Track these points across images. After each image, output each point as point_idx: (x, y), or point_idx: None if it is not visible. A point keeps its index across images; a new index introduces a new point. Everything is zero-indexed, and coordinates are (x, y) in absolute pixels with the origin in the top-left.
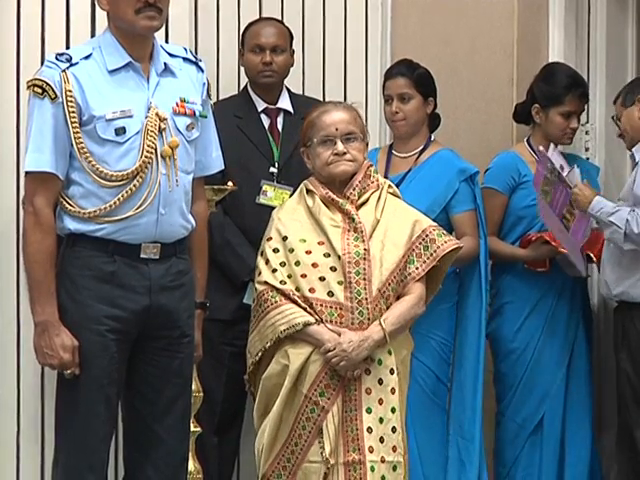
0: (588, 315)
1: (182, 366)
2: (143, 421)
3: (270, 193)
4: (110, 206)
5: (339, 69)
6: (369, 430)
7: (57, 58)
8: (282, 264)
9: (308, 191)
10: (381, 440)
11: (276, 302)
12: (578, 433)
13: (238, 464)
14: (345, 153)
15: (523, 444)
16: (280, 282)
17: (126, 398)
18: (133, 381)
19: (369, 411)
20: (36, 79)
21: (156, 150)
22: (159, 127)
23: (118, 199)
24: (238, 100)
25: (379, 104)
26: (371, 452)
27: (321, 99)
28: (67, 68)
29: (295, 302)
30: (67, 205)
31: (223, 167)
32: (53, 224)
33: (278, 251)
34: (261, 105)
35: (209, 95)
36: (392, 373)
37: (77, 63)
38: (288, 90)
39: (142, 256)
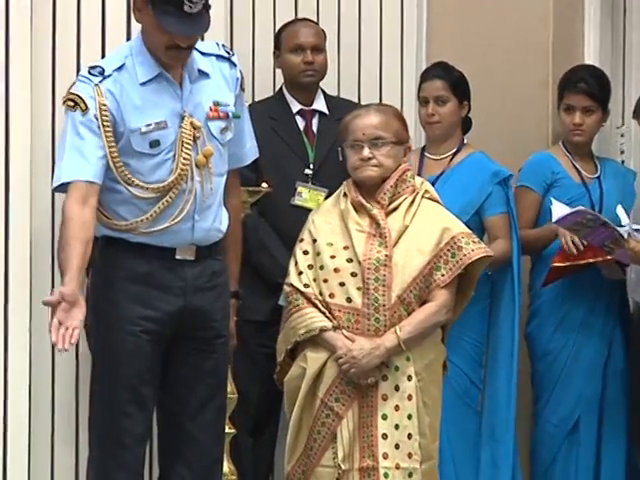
0: (626, 316)
1: (216, 366)
2: (177, 421)
3: (305, 194)
4: (147, 218)
5: (374, 71)
6: (384, 436)
7: (90, 72)
8: (309, 267)
9: (345, 194)
10: (396, 446)
11: (298, 305)
12: (615, 434)
13: (273, 465)
14: (371, 158)
15: (560, 445)
16: (304, 285)
17: (160, 398)
18: (167, 382)
19: (385, 417)
20: (69, 94)
21: (191, 160)
22: (194, 136)
23: (155, 211)
24: (273, 102)
25: (414, 106)
26: (385, 458)
27: (356, 101)
28: (100, 82)
29: (316, 306)
30: (102, 216)
31: (258, 155)
32: (82, 216)
33: (307, 253)
34: (296, 106)
35: (243, 89)
36: (409, 380)
37: (110, 75)
38: (323, 92)
39: (177, 257)
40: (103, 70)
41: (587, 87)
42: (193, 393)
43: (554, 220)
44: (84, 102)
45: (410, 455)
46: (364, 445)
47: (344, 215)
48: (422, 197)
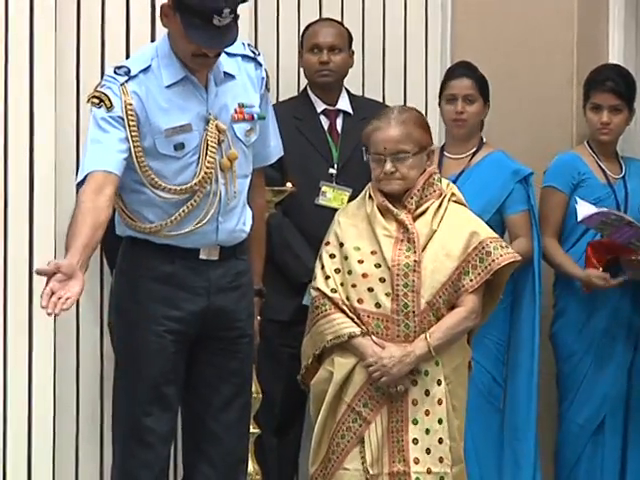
0: None
1: (241, 366)
2: (201, 420)
3: (329, 194)
4: (172, 221)
5: (399, 71)
6: (415, 441)
7: (116, 72)
8: (337, 270)
9: (370, 196)
10: (427, 451)
11: (326, 310)
12: None
13: (298, 466)
14: (394, 172)
15: (584, 445)
16: (331, 290)
17: (185, 398)
18: (192, 381)
19: (415, 422)
20: (94, 92)
21: (216, 163)
22: (218, 139)
23: (180, 214)
24: (297, 101)
25: (438, 110)
26: (417, 463)
27: (381, 100)
28: (126, 82)
29: (344, 312)
30: (126, 217)
31: (282, 154)
32: (92, 197)
33: (334, 257)
34: (320, 106)
35: (268, 88)
36: (439, 384)
37: (136, 76)
38: (348, 91)
39: (201, 257)
40: (129, 70)
41: (615, 86)
42: (217, 393)
43: (579, 219)
44: (109, 100)
45: (441, 459)
46: (394, 450)
47: (371, 219)
48: (449, 200)
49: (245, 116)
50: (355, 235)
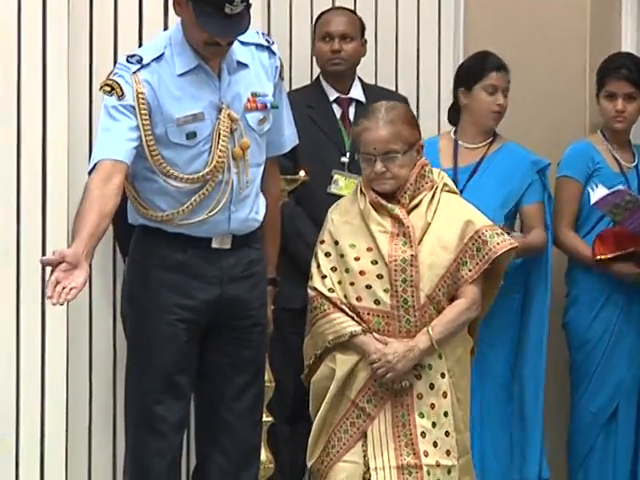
0: None
1: (254, 355)
2: (214, 409)
3: (341, 182)
4: (184, 210)
5: (412, 59)
6: (423, 435)
7: (128, 60)
8: (333, 269)
9: (362, 192)
10: (434, 444)
11: (324, 310)
12: None
13: None
14: (385, 172)
15: (597, 434)
16: (329, 290)
17: (197, 387)
18: (205, 370)
19: (422, 416)
20: (106, 80)
21: (228, 152)
22: (231, 128)
23: (191, 203)
24: (310, 90)
25: (451, 95)
26: (426, 456)
27: (393, 89)
28: (138, 70)
29: (343, 311)
30: (139, 206)
31: (297, 142)
32: (100, 184)
33: (330, 255)
34: (333, 95)
35: (282, 77)
36: (443, 377)
37: (148, 65)
38: (360, 80)
39: (214, 246)
40: (141, 59)
41: (629, 73)
42: (230, 381)
43: (592, 202)
44: (120, 88)
45: (448, 452)
46: (401, 443)
47: (364, 215)
48: (441, 191)
49: (258, 105)
50: (350, 232)
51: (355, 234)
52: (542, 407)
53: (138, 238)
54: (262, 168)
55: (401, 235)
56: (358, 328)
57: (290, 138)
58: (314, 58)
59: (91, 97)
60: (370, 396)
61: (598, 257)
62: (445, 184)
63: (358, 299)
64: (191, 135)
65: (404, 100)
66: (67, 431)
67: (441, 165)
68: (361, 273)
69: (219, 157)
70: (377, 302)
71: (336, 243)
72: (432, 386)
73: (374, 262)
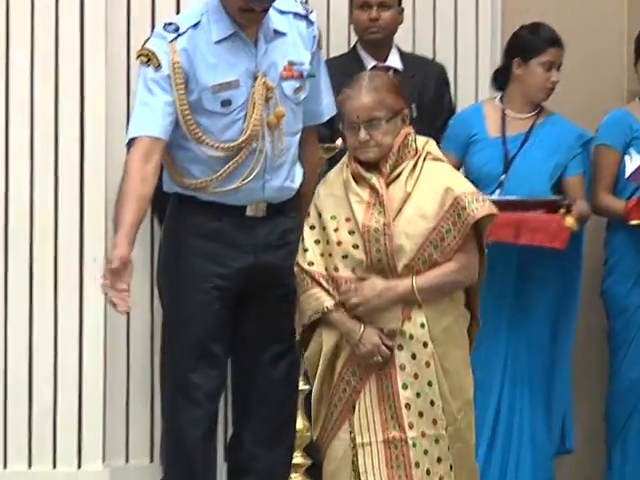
0: None
1: (288, 323)
2: (250, 378)
3: None
4: (217, 177)
5: (449, 27)
6: (407, 406)
7: (165, 29)
8: (317, 242)
9: (348, 164)
10: (420, 415)
11: (305, 285)
12: None
13: None
14: (368, 140)
15: (637, 400)
16: (308, 263)
17: (233, 355)
18: (240, 339)
19: (405, 387)
20: (143, 49)
21: (262, 120)
22: (266, 96)
23: (225, 170)
24: (347, 58)
25: (489, 65)
26: (411, 428)
27: (431, 57)
28: (174, 39)
29: (320, 284)
30: (174, 173)
31: (335, 112)
32: (141, 172)
33: (314, 228)
34: (370, 63)
35: (320, 46)
36: (425, 346)
37: (185, 32)
38: (398, 48)
39: (248, 214)
40: (178, 27)
41: None
42: (265, 350)
43: (627, 176)
44: (157, 58)
45: (435, 421)
46: (387, 416)
47: (345, 186)
48: (424, 159)
49: (294, 74)
50: (332, 204)
51: (337, 205)
52: (568, 374)
53: (173, 206)
54: (298, 137)
55: (377, 205)
56: (331, 303)
57: (328, 107)
58: (351, 26)
59: (129, 67)
60: (354, 368)
61: (632, 222)
62: (429, 152)
63: (336, 269)
64: (226, 103)
65: (441, 68)
66: (105, 399)
67: (488, 133)
68: (338, 244)
69: (254, 125)
70: (354, 271)
71: (319, 215)
72: (414, 356)
73: (351, 232)
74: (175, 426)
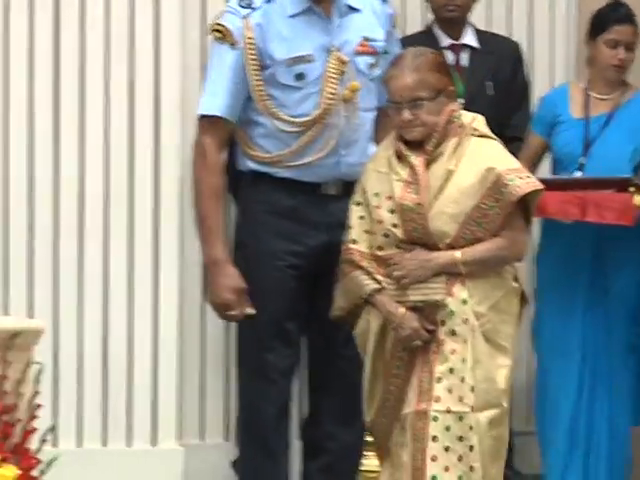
0: None
1: None
2: (324, 356)
3: None
4: (292, 151)
5: (525, 5)
6: (438, 380)
7: (239, 3)
8: (361, 217)
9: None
10: (449, 390)
11: (349, 266)
12: None
13: None
14: (412, 120)
15: None
16: (352, 241)
17: (308, 334)
18: (313, 317)
19: (441, 362)
20: (217, 24)
21: (337, 95)
22: (340, 71)
23: (299, 144)
24: (422, 37)
25: (565, 43)
26: (437, 402)
27: (506, 35)
28: (248, 14)
29: (361, 266)
30: (248, 149)
31: None
32: (219, 164)
33: (360, 204)
34: (445, 41)
35: (394, 26)
36: (466, 323)
37: (259, 8)
38: (473, 26)
39: (322, 192)
40: (251, 2)
41: None
42: (339, 328)
43: None
44: (232, 35)
45: (461, 399)
46: (422, 389)
47: (389, 163)
48: (470, 136)
49: (369, 49)
50: (376, 180)
51: (380, 182)
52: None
53: (247, 185)
54: (372, 114)
55: (415, 183)
56: (372, 287)
57: None
58: (426, 5)
59: (203, 37)
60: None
61: None
62: (475, 128)
63: (379, 248)
64: (300, 76)
65: (516, 46)
66: (179, 377)
67: (571, 114)
68: (379, 222)
69: (328, 99)
70: (397, 249)
71: (364, 192)
72: (454, 332)
73: (391, 211)
74: (250, 404)
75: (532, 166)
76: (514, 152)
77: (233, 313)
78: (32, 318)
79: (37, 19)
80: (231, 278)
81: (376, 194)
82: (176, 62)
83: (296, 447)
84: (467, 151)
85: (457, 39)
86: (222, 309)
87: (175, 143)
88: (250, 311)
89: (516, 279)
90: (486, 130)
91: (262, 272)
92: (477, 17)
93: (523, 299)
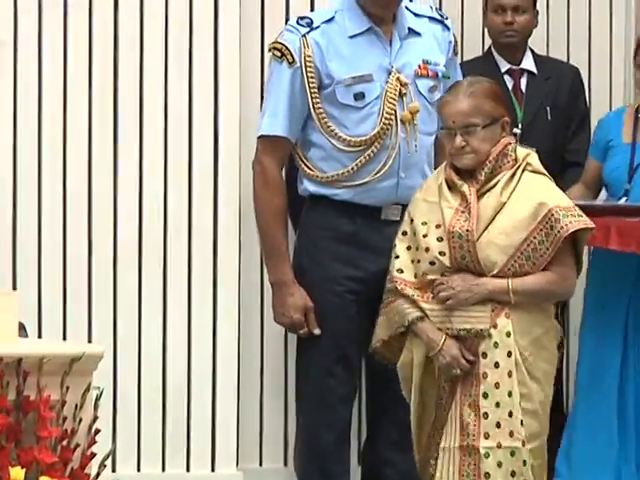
0: None
1: None
2: (384, 381)
3: None
4: (349, 171)
5: (583, 30)
6: (485, 415)
7: (298, 22)
8: (408, 248)
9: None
10: (497, 425)
11: (393, 295)
12: None
13: None
14: (464, 147)
15: None
16: (397, 270)
17: (367, 359)
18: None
19: (485, 396)
20: (276, 42)
21: (396, 115)
22: (400, 92)
23: (356, 164)
24: (482, 61)
25: (623, 67)
26: (487, 438)
27: (565, 60)
28: (307, 33)
29: (405, 295)
30: (306, 169)
31: None
32: (281, 184)
33: (406, 234)
34: (504, 66)
35: (456, 52)
36: (509, 356)
37: (318, 27)
38: (532, 51)
39: (383, 217)
40: (311, 21)
41: None
42: None
43: None
44: (291, 54)
45: (512, 434)
46: (466, 423)
47: (439, 192)
48: (523, 170)
49: (429, 72)
50: (425, 210)
51: (430, 211)
52: None
53: (307, 209)
54: (432, 138)
55: (466, 212)
56: (415, 315)
57: None
58: (485, 30)
59: (262, 63)
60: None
61: None
62: (529, 163)
63: (424, 275)
64: (359, 96)
65: (575, 71)
66: (238, 402)
67: (622, 139)
68: (426, 250)
69: (386, 119)
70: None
71: (412, 221)
72: (497, 365)
73: (440, 239)
74: (309, 430)
75: (591, 191)
76: (574, 177)
77: (301, 332)
78: (91, 343)
79: (95, 38)
80: (298, 297)
81: (424, 223)
82: (235, 81)
83: (357, 471)
84: (520, 185)
85: (516, 64)
86: (290, 329)
87: (234, 163)
88: (317, 331)
89: (557, 317)
90: (539, 166)
91: (322, 297)
92: (535, 41)
93: (561, 344)
